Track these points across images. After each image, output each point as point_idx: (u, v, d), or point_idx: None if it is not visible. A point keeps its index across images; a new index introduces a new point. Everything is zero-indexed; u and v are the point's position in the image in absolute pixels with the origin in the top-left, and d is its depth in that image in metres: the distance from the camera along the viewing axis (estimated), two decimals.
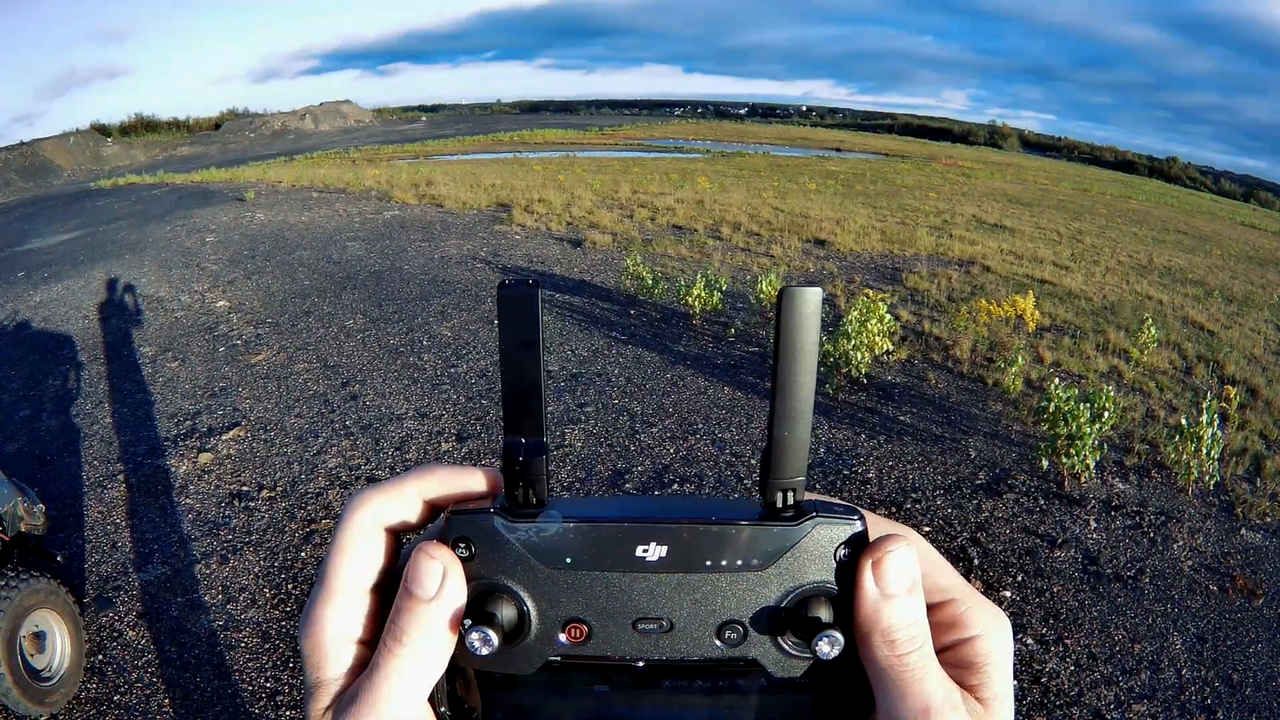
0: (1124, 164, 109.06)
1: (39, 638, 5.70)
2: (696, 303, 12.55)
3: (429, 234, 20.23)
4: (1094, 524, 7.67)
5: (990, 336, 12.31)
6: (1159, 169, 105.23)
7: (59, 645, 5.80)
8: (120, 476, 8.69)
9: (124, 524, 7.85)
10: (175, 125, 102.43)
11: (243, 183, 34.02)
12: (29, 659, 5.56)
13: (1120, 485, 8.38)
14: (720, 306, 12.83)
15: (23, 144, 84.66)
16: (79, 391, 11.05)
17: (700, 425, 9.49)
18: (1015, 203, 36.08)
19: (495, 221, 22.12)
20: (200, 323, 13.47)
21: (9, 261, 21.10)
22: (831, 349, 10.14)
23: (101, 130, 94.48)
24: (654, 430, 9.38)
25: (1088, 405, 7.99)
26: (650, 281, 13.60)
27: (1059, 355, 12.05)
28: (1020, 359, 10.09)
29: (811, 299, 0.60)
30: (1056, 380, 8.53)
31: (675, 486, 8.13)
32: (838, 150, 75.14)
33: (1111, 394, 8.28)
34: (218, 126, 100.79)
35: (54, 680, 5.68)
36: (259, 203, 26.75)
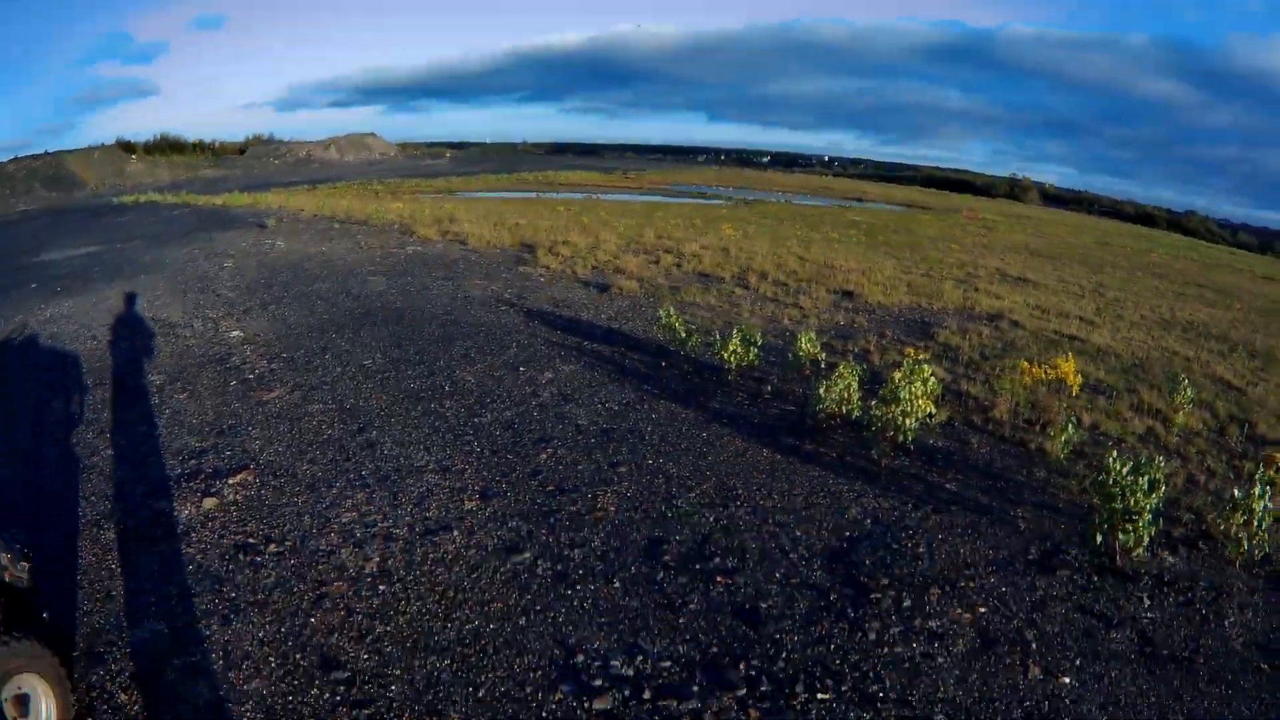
0: (1144, 217, 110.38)
1: (22, 699, 5.11)
2: (732, 358, 12.07)
3: (451, 272, 19.80)
4: (1147, 602, 7.12)
5: (1030, 397, 11.78)
6: (1178, 222, 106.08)
7: (43, 710, 5.22)
8: (118, 518, 8.11)
9: (119, 572, 7.26)
10: (200, 147, 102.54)
11: (264, 208, 33.77)
12: None
13: (1170, 559, 7.81)
14: (756, 362, 12.32)
15: (48, 154, 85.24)
16: (80, 418, 10.53)
17: (740, 491, 8.90)
18: (1037, 255, 36.23)
19: (519, 262, 21.71)
20: (212, 353, 12.97)
21: (24, 271, 20.81)
22: (878, 413, 9.64)
23: (126, 147, 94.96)
24: (691, 495, 8.78)
25: (1142, 478, 7.51)
26: (684, 335, 13.09)
27: (1096, 417, 11.50)
28: (1070, 427, 9.65)
29: None
30: (1115, 453, 8.05)
31: (717, 560, 7.55)
32: (859, 200, 75.01)
33: (1162, 465, 7.78)
34: (243, 151, 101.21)
35: None
36: (280, 230, 26.42)
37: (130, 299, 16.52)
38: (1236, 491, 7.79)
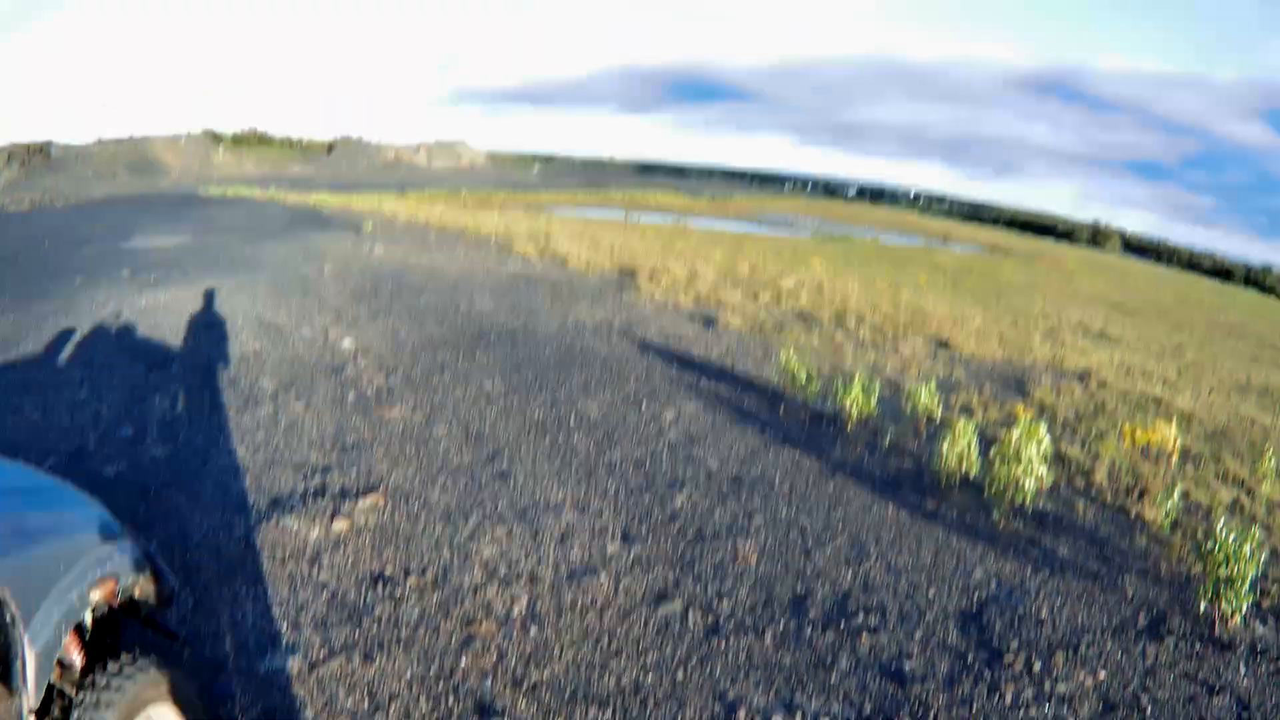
0: (1222, 271, 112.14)
1: None
2: (854, 407, 11.87)
3: (557, 294, 19.59)
4: (1243, 669, 7.11)
5: (1129, 464, 11.51)
6: (1255, 279, 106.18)
7: None
8: (240, 531, 7.81)
9: (246, 593, 6.92)
10: (288, 143, 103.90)
11: (358, 212, 33.88)
12: None
13: (1260, 628, 7.76)
14: (874, 412, 12.09)
15: (133, 139, 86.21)
16: (188, 420, 10.24)
17: (872, 549, 8.61)
18: (1118, 309, 35.74)
19: (621, 288, 21.48)
20: (325, 362, 12.74)
21: (114, 256, 20.85)
22: (999, 474, 9.50)
23: (214, 137, 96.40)
24: (826, 551, 8.50)
25: (1244, 546, 7.58)
26: (804, 380, 12.80)
27: (1186, 484, 11.10)
28: (1174, 497, 9.47)
29: None
30: (1223, 520, 8.38)
31: (860, 618, 7.34)
32: (944, 241, 74.61)
33: (1257, 535, 7.79)
34: (330, 149, 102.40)
35: None
36: (377, 235, 26.45)
37: (230, 295, 16.37)
38: None
